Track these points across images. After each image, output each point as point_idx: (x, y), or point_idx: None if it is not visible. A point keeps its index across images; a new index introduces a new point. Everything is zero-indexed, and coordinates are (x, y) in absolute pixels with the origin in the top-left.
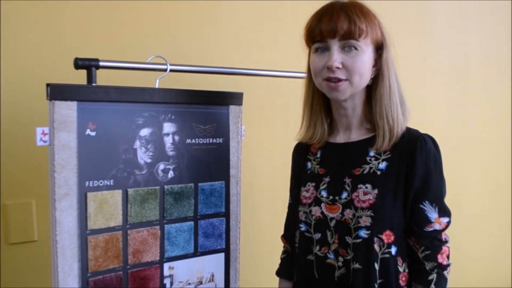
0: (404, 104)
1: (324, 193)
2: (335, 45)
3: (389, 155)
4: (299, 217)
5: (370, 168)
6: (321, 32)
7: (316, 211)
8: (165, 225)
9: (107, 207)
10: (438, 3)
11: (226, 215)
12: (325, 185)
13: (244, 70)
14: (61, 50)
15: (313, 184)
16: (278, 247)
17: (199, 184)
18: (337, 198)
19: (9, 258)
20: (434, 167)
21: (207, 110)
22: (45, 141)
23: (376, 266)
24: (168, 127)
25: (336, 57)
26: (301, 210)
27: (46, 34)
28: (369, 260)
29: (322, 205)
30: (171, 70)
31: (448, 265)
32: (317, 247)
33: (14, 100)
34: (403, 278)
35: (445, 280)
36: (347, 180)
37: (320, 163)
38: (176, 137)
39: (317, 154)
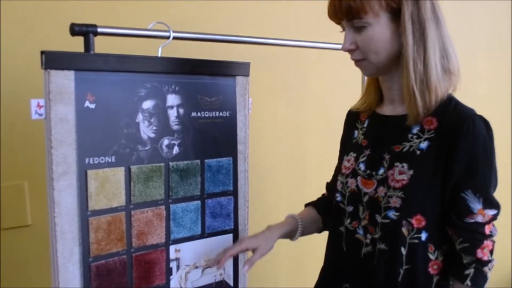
0: (449, 71)
1: (362, 166)
2: (347, 26)
3: (433, 134)
4: (337, 186)
5: (411, 146)
6: (330, 16)
7: (352, 183)
8: (171, 205)
9: (109, 186)
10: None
11: (234, 193)
12: (364, 158)
13: (251, 38)
14: (56, 16)
15: (354, 155)
16: None
17: (206, 160)
18: (373, 173)
19: (1, 244)
20: (482, 154)
21: (212, 81)
22: (40, 114)
23: (403, 250)
24: (172, 99)
25: (347, 39)
26: (339, 180)
27: None
28: (396, 243)
29: (359, 178)
30: (174, 38)
31: (489, 261)
32: (348, 220)
33: (5, 71)
34: (435, 266)
35: (483, 276)
36: (386, 156)
37: (365, 133)
38: (181, 110)
39: (364, 123)
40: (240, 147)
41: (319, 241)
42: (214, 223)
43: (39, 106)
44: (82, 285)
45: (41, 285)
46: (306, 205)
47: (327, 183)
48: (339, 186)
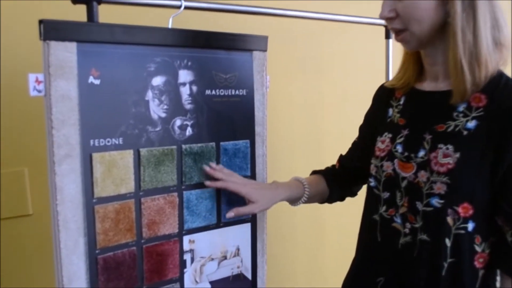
0: (500, 43)
1: (399, 148)
2: None
3: (482, 113)
4: (370, 170)
5: (456, 126)
6: None
7: (388, 166)
8: (184, 192)
9: (117, 171)
10: None
11: (252, 179)
12: (402, 139)
13: (267, 9)
14: None
15: (390, 135)
16: (301, 216)
17: (221, 143)
18: (412, 155)
19: (1, 235)
20: None
21: (228, 56)
22: (39, 91)
23: (448, 242)
24: (184, 76)
25: (386, 6)
26: (373, 163)
27: None
28: (440, 233)
29: (395, 161)
30: (186, 7)
31: None
32: (384, 207)
33: (3, 43)
34: (481, 260)
35: None
36: (427, 137)
37: (402, 111)
38: (194, 88)
39: (400, 101)
40: (258, 128)
41: (338, 234)
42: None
43: (37, 81)
44: (88, 279)
45: (44, 279)
46: (314, 172)
47: (341, 156)
48: (373, 170)
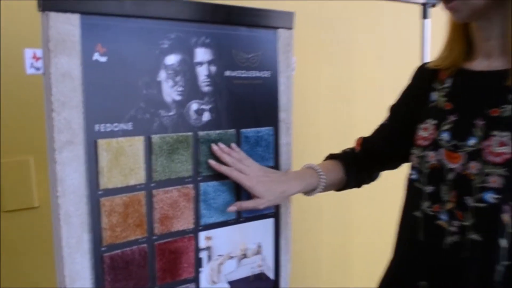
0: None
1: (445, 136)
2: None
3: None
4: (411, 161)
5: None
6: None
7: (432, 157)
8: (200, 183)
9: (125, 160)
10: None
11: (276, 170)
12: (449, 125)
13: None
14: None
15: (434, 122)
16: (328, 210)
17: (242, 130)
18: (461, 144)
19: (5, 228)
20: None
21: (250, 33)
22: (37, 69)
23: (503, 242)
24: (201, 54)
25: None
26: (414, 153)
27: None
28: (494, 233)
29: (441, 150)
30: None
31: None
32: (427, 203)
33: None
34: None
35: None
36: (480, 123)
37: (448, 95)
38: (213, 68)
39: (445, 83)
40: (282, 115)
41: (368, 230)
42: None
43: (35, 57)
44: (93, 279)
45: (50, 277)
46: (330, 157)
47: (363, 138)
48: (414, 161)
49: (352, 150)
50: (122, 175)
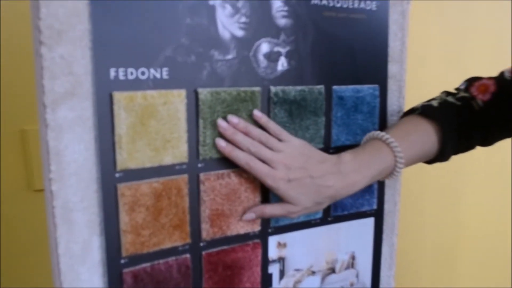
0: None
1: None
2: None
3: None
4: None
5: None
6: None
7: None
8: None
9: (157, 126)
10: None
11: None
12: None
13: None
14: None
15: None
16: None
17: (335, 87)
18: None
19: (33, 210)
20: None
21: None
22: None
23: None
24: None
25: None
26: None
27: None
28: None
29: None
30: None
31: None
32: None
33: None
34: None
35: None
36: None
37: None
38: None
39: None
40: (393, 68)
41: (480, 231)
42: (345, 201)
43: None
44: None
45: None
46: (409, 112)
47: (493, 80)
48: None
49: (465, 99)
50: (152, 150)
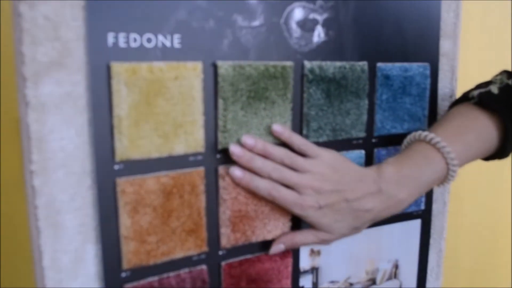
0: None
1: None
2: None
3: None
4: None
5: None
6: None
7: None
8: None
9: (165, 105)
10: None
11: None
12: None
13: None
14: None
15: None
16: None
17: (379, 65)
18: None
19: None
20: None
21: None
22: None
23: None
24: None
25: None
26: None
27: None
28: None
29: None
30: None
31: None
32: None
33: None
34: None
35: None
36: None
37: None
38: None
39: None
40: (445, 44)
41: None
42: None
43: None
44: None
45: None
46: (462, 99)
47: None
48: None
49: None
50: (160, 136)
